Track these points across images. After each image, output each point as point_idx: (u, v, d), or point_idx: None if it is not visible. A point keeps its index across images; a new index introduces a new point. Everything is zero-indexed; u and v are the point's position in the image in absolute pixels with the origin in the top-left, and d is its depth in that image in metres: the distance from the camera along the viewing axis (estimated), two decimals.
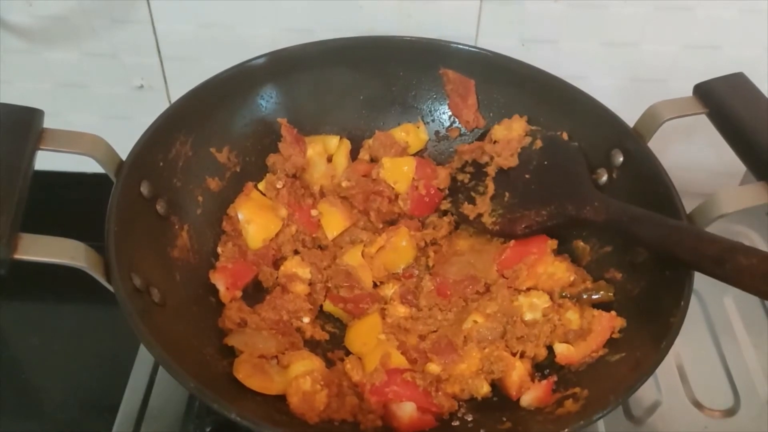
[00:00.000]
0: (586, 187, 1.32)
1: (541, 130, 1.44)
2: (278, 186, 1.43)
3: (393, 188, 1.46)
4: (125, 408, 1.38)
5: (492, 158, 1.45)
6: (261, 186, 1.44)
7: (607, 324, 1.23)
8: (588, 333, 1.24)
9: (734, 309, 1.57)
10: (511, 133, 1.45)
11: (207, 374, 1.10)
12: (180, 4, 1.53)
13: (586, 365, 1.21)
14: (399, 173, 1.47)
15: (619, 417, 1.40)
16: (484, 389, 1.24)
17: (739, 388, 1.44)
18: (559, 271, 1.33)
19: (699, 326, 1.55)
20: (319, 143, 1.48)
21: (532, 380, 1.24)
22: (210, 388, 0.99)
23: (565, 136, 1.42)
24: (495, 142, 1.46)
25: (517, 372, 1.23)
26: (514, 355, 1.26)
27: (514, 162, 1.43)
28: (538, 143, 1.42)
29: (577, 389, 1.15)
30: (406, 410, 1.16)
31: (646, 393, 1.43)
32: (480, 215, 1.42)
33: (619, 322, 1.22)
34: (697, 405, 1.42)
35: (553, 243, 1.36)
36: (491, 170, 1.44)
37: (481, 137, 1.50)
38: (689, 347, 1.50)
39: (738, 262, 1.04)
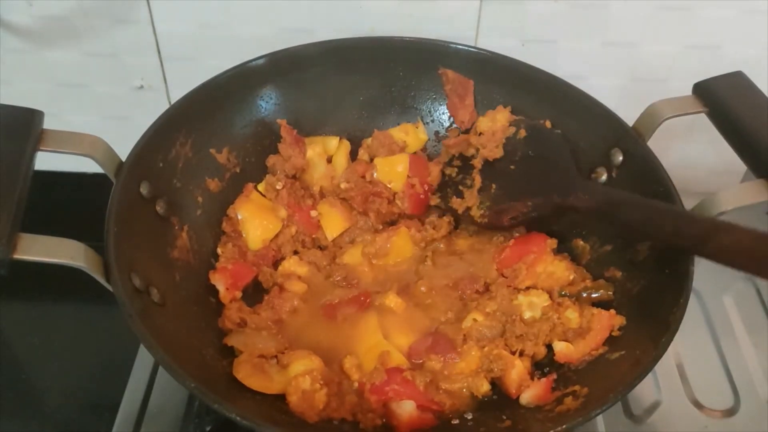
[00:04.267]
0: (571, 175, 1.33)
1: (525, 120, 1.44)
2: (278, 187, 1.43)
3: (389, 188, 1.47)
4: (125, 408, 1.38)
5: (478, 150, 1.45)
6: (261, 187, 1.44)
7: (607, 322, 1.23)
8: (587, 331, 1.24)
9: (734, 309, 1.57)
10: (496, 124, 1.44)
11: (207, 374, 1.10)
12: (180, 4, 1.53)
13: (585, 363, 1.21)
14: (393, 173, 1.47)
15: (619, 416, 1.40)
16: (484, 388, 1.24)
17: (739, 388, 1.44)
18: (558, 270, 1.34)
19: (699, 326, 1.55)
20: (318, 144, 1.48)
21: (532, 378, 1.24)
22: (210, 388, 1.00)
23: (548, 124, 1.42)
24: (480, 134, 1.45)
25: (516, 370, 1.23)
26: (513, 353, 1.26)
27: (499, 153, 1.43)
28: (522, 133, 1.42)
29: (576, 387, 1.15)
30: (406, 409, 1.16)
31: (646, 393, 1.44)
32: (468, 209, 1.42)
33: (619, 321, 1.22)
34: (697, 405, 1.42)
35: (552, 242, 1.36)
36: (477, 162, 1.44)
37: (467, 130, 1.51)
38: (689, 347, 1.50)
39: (720, 240, 1.06)
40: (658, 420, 1.40)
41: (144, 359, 1.44)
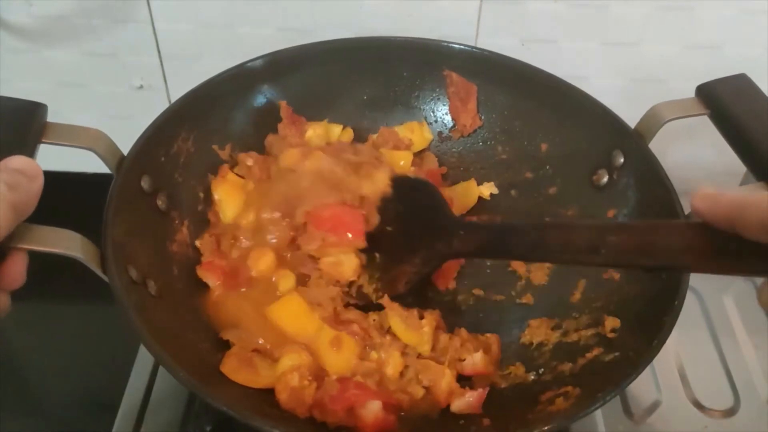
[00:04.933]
0: (448, 219, 1.25)
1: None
2: (248, 163, 1.41)
3: None
4: (125, 408, 1.38)
5: None
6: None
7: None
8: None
9: (734, 309, 1.57)
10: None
11: (202, 368, 1.09)
12: (180, 4, 1.53)
13: (580, 367, 1.20)
14: (396, 166, 1.46)
15: (619, 416, 1.40)
16: (420, 393, 1.20)
17: (739, 388, 1.44)
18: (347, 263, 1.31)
19: (699, 326, 1.55)
20: (321, 127, 1.47)
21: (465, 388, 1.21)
22: (203, 381, 1.00)
23: (412, 172, 1.37)
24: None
25: (446, 380, 1.21)
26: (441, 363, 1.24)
27: (376, 219, 1.30)
28: (389, 190, 1.31)
29: (569, 388, 1.14)
30: (372, 409, 1.13)
31: (646, 393, 1.44)
32: (360, 287, 1.31)
33: (613, 323, 1.21)
34: (697, 405, 1.42)
35: None
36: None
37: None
38: (689, 347, 1.50)
39: (610, 242, 0.99)
40: (658, 420, 1.39)
41: (144, 358, 1.44)
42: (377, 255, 1.30)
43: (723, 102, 1.26)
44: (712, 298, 1.59)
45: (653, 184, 1.26)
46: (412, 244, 1.27)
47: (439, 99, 1.54)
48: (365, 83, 1.53)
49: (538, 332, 1.30)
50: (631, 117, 1.33)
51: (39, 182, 0.96)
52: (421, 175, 1.49)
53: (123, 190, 1.16)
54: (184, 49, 1.61)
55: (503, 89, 1.49)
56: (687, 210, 1.19)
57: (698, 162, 1.71)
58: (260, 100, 1.46)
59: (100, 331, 1.57)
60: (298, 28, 1.55)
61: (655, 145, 1.29)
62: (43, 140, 1.10)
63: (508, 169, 1.51)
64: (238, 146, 1.43)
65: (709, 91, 1.28)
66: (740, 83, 1.29)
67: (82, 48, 1.61)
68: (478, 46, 1.55)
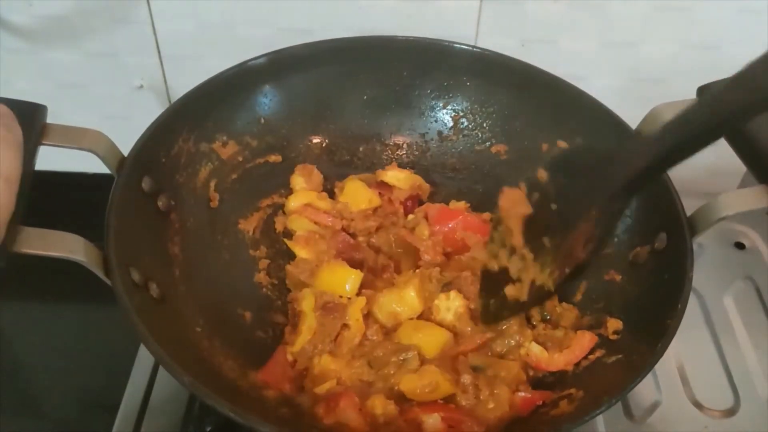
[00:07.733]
0: (611, 156, 1.09)
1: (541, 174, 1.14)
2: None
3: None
4: (125, 408, 1.37)
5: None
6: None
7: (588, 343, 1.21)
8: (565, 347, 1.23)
9: (734, 309, 1.57)
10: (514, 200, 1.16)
11: (204, 371, 1.10)
12: (180, 4, 1.53)
13: (582, 368, 1.20)
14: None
15: (619, 417, 1.39)
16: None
17: (739, 388, 1.44)
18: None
19: (699, 326, 1.54)
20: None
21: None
22: (206, 384, 0.99)
23: (561, 144, 1.38)
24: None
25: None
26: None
27: (528, 209, 1.13)
28: (543, 174, 1.13)
29: (573, 390, 1.14)
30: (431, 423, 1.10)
31: (646, 393, 1.43)
32: (534, 282, 1.14)
33: (616, 324, 1.21)
34: (697, 405, 1.42)
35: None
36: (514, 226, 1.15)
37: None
38: (689, 347, 1.49)
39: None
40: (658, 420, 1.39)
41: (144, 359, 1.44)
42: (544, 238, 1.12)
43: None
44: (712, 298, 1.58)
45: (654, 184, 1.25)
46: (582, 203, 1.10)
47: (438, 97, 1.54)
48: (366, 83, 1.52)
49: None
50: (630, 117, 1.33)
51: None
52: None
53: (124, 193, 1.16)
54: (184, 49, 1.61)
55: (503, 89, 1.49)
56: (689, 211, 1.19)
57: (697, 161, 1.70)
58: (261, 99, 1.45)
59: (100, 332, 1.56)
60: (298, 28, 1.55)
61: None
62: (43, 142, 1.10)
63: (508, 170, 1.50)
64: (239, 147, 1.43)
65: None
66: None
67: (82, 48, 1.61)
68: (478, 46, 1.54)
